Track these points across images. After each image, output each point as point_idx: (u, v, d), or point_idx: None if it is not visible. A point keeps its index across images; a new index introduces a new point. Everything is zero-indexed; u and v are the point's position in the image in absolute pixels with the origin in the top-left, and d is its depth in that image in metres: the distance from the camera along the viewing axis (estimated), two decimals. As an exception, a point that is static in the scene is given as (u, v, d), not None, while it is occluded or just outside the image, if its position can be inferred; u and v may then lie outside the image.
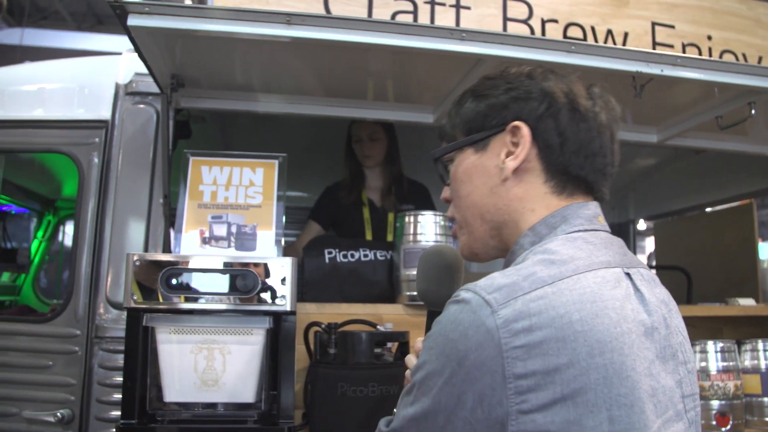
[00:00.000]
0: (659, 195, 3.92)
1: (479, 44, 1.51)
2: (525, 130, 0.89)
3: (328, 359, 1.63)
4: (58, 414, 1.74)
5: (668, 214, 3.98)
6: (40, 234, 3.37)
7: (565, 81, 0.93)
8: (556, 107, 0.89)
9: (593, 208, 0.91)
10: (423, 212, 1.94)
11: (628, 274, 0.84)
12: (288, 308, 1.43)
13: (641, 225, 4.37)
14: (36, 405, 1.78)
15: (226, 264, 1.43)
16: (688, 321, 0.95)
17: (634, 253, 1.96)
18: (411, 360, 1.01)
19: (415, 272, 1.86)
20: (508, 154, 0.90)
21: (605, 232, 0.90)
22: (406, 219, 1.95)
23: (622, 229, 4.18)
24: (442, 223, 1.92)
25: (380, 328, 1.70)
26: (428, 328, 1.06)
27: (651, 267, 2.77)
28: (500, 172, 0.91)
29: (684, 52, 2.00)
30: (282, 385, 1.45)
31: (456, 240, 1.03)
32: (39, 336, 1.84)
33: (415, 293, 1.89)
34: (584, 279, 0.78)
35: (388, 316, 1.83)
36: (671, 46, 2.08)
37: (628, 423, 0.73)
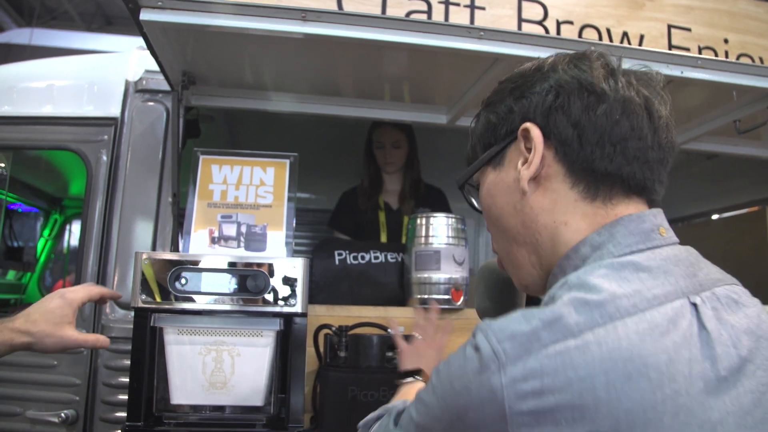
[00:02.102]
0: (669, 200, 3.87)
1: (497, 43, 1.49)
2: (535, 131, 0.75)
3: (338, 362, 1.60)
4: (62, 414, 1.72)
5: (677, 220, 3.94)
6: (46, 232, 3.35)
7: (579, 64, 0.78)
8: (563, 95, 0.75)
9: (650, 218, 0.75)
10: (435, 214, 1.91)
11: (694, 305, 0.67)
12: (299, 310, 1.40)
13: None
14: (40, 405, 1.76)
15: (235, 264, 1.40)
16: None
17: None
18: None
19: (426, 275, 1.86)
20: (524, 162, 0.77)
21: (669, 247, 0.73)
22: (418, 221, 1.92)
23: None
24: (455, 225, 1.89)
25: (391, 331, 1.67)
26: None
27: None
28: (518, 185, 0.78)
29: (700, 54, 1.97)
30: (291, 388, 1.42)
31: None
32: (44, 335, 1.82)
33: (425, 296, 1.86)
34: (623, 327, 0.61)
35: (399, 319, 1.80)
36: (687, 49, 2.06)
37: None
